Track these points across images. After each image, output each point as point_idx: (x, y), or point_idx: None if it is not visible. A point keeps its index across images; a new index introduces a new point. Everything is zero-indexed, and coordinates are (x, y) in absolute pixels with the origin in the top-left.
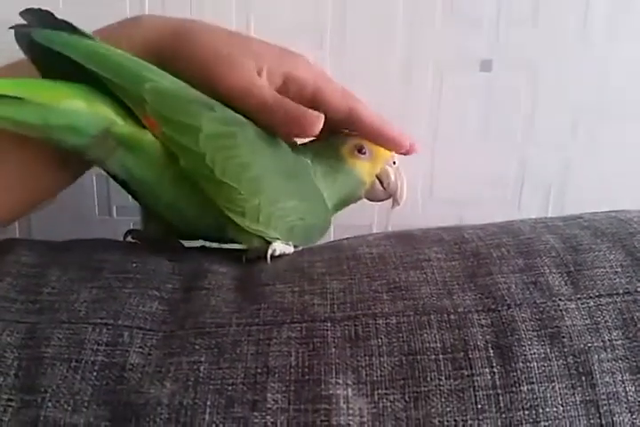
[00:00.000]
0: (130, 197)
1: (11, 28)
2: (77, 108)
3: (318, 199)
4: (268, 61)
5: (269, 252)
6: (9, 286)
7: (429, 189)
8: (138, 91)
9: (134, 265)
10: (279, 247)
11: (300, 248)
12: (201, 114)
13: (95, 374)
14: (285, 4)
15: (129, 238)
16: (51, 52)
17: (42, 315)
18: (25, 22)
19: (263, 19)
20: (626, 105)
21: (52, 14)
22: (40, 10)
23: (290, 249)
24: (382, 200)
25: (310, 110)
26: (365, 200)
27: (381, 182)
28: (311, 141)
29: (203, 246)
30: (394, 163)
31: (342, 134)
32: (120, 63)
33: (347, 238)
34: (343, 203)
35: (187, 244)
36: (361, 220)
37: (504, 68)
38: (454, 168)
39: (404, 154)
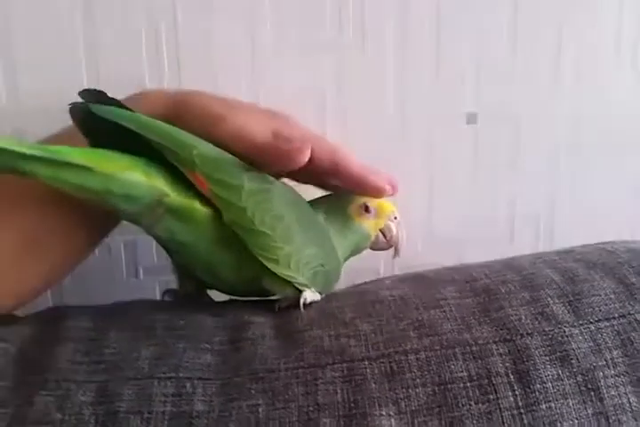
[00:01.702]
0: (155, 258)
1: (70, 104)
2: (137, 179)
3: (333, 249)
4: (258, 120)
5: (302, 300)
6: (73, 351)
7: (429, 231)
8: (189, 155)
9: (182, 322)
10: (309, 296)
11: (324, 295)
12: (242, 174)
13: (166, 423)
14: (289, 74)
15: (166, 297)
16: (104, 126)
17: (109, 374)
18: (81, 100)
19: (271, 87)
20: (598, 142)
21: (104, 93)
22: (95, 90)
23: (318, 297)
24: (384, 250)
25: (296, 141)
26: None
27: (384, 235)
28: (319, 200)
29: (234, 300)
30: (395, 218)
31: (347, 193)
32: (170, 133)
33: (364, 283)
34: (351, 255)
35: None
36: (369, 263)
37: (488, 120)
38: (450, 210)
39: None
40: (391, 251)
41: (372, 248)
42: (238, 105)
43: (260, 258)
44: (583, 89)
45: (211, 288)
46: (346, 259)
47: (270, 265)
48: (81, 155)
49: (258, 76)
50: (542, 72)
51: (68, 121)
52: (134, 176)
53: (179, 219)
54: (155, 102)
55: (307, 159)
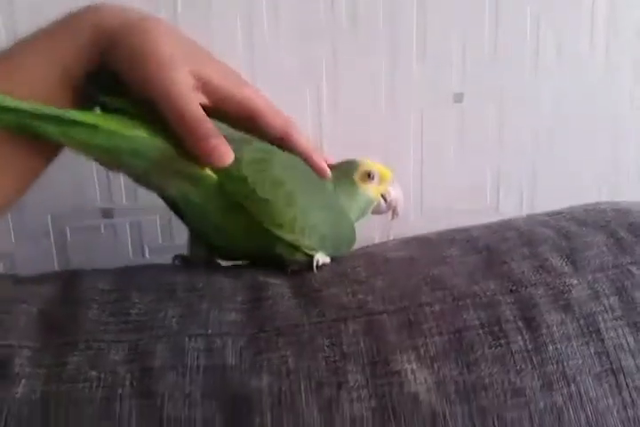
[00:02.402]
0: (160, 238)
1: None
2: (141, 135)
3: (343, 213)
4: (210, 76)
5: (315, 262)
6: (99, 312)
7: (420, 201)
8: None
9: (201, 284)
10: (321, 258)
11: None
12: (241, 146)
13: (201, 375)
14: (286, 58)
15: (176, 262)
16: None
17: (138, 333)
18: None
19: (268, 72)
20: (575, 120)
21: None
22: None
23: (328, 260)
24: (384, 213)
25: (223, 146)
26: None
27: (384, 199)
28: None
29: (245, 264)
30: (393, 182)
31: (351, 162)
32: None
33: (367, 247)
34: (357, 219)
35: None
36: (364, 233)
37: (473, 99)
38: (441, 182)
39: None
40: (388, 216)
41: (374, 212)
42: (196, 53)
43: (264, 224)
44: (561, 70)
45: (224, 257)
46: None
47: (275, 230)
48: (86, 115)
49: (255, 61)
50: (523, 55)
51: None
52: (138, 133)
53: (187, 181)
54: (107, 16)
55: (225, 162)
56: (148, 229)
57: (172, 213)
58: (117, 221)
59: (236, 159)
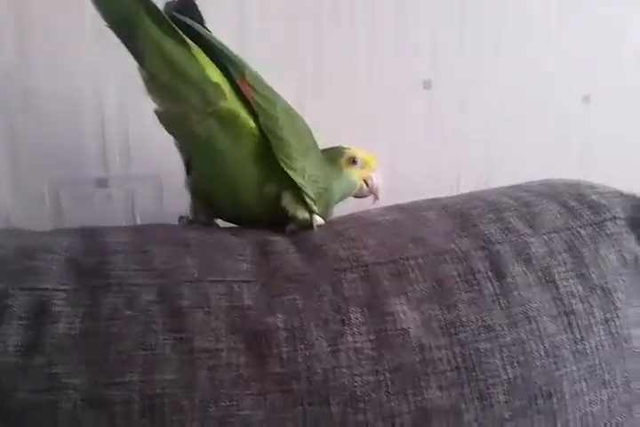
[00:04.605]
0: (151, 205)
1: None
2: (212, 76)
3: (331, 183)
4: None
5: (314, 222)
6: (124, 260)
7: (392, 185)
8: (241, 66)
9: (211, 240)
10: (319, 219)
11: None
12: (277, 96)
13: (224, 315)
14: (273, 42)
15: (181, 223)
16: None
17: (164, 278)
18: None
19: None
20: (531, 109)
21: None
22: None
23: (322, 221)
24: (365, 197)
25: None
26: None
27: (367, 184)
28: None
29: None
30: (375, 169)
31: (339, 148)
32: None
33: (354, 213)
34: (339, 199)
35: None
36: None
37: (441, 85)
38: (409, 167)
39: None
40: (370, 199)
41: (356, 195)
42: None
43: (281, 164)
44: (518, 62)
45: (224, 218)
46: (336, 202)
47: (290, 172)
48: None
49: (245, 44)
50: (486, 47)
51: None
52: (211, 72)
53: (222, 122)
54: None
55: None
56: (140, 197)
57: (163, 183)
58: (111, 189)
59: (273, 102)
